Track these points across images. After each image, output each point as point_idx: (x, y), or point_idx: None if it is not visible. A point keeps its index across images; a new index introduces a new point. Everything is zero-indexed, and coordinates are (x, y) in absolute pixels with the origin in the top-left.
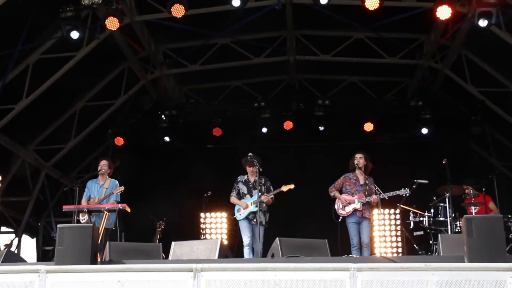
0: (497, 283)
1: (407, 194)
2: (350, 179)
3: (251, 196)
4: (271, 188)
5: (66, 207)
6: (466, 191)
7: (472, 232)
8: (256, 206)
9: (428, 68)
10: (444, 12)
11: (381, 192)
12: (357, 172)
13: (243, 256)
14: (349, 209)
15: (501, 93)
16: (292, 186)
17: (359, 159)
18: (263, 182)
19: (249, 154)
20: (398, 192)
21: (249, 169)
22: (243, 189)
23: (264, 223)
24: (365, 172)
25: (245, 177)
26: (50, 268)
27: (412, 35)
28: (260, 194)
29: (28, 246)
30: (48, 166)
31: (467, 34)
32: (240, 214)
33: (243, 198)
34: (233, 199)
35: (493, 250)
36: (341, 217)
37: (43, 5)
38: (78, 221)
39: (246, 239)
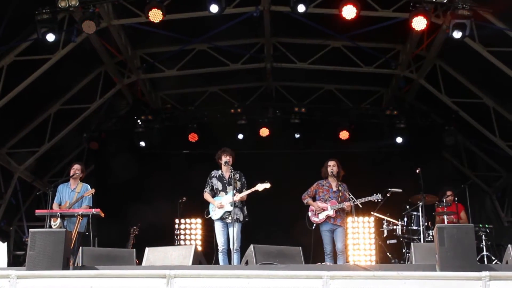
0: None
1: (379, 200)
2: (323, 186)
3: (226, 193)
4: (246, 184)
5: (38, 212)
6: (448, 198)
7: (444, 241)
8: (232, 205)
9: (403, 78)
10: (419, 23)
11: (354, 199)
12: (330, 179)
13: (218, 261)
14: (322, 216)
15: (474, 104)
16: (267, 185)
17: (332, 166)
18: (237, 177)
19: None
20: (370, 198)
21: (224, 158)
22: (218, 185)
23: (241, 219)
24: (338, 178)
25: (219, 172)
26: (21, 273)
27: (388, 45)
28: (235, 191)
29: None
30: (21, 169)
31: (442, 45)
32: (215, 214)
33: (217, 195)
34: (207, 196)
35: (464, 259)
36: (315, 224)
37: (19, 6)
38: (51, 226)
39: (220, 244)
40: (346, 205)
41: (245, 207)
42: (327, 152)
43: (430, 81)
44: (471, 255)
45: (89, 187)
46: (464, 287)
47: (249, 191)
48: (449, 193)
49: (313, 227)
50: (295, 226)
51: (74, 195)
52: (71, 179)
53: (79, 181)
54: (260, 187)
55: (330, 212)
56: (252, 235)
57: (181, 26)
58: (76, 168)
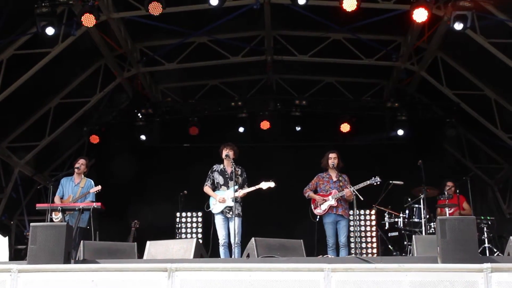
0: (469, 284)
1: (378, 183)
2: (323, 178)
3: (227, 187)
4: (247, 180)
5: (39, 206)
6: (448, 190)
7: (446, 233)
8: (233, 201)
9: (404, 70)
10: (420, 15)
11: (355, 190)
12: (330, 171)
13: (217, 254)
14: (324, 207)
15: (476, 96)
16: (272, 185)
17: (333, 159)
18: (239, 173)
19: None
20: (368, 182)
21: (225, 152)
22: (219, 179)
23: (241, 214)
24: (337, 170)
25: (221, 166)
26: (22, 267)
27: (389, 37)
28: (237, 187)
29: (0, 244)
30: (21, 163)
31: (443, 37)
32: (216, 208)
33: (219, 189)
34: (208, 189)
35: (466, 251)
36: (318, 217)
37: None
38: (52, 220)
39: (221, 237)
40: (346, 191)
41: (241, 203)
42: (328, 145)
43: (431, 73)
44: (473, 247)
45: (92, 182)
46: (465, 279)
47: (252, 188)
48: (449, 183)
49: (317, 219)
50: (296, 220)
51: (78, 189)
52: (75, 173)
53: (82, 175)
54: (264, 185)
55: (332, 202)
56: (253, 229)
57: (181, 19)
58: (81, 163)
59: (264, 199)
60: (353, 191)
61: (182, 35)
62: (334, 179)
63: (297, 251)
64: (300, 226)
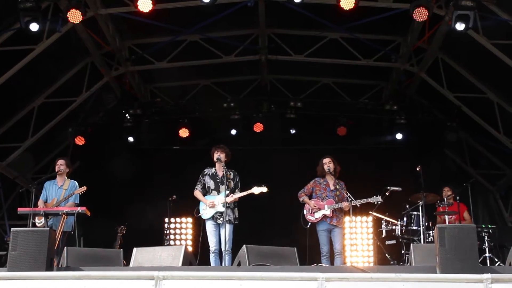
0: None
1: (379, 202)
2: (320, 184)
3: (219, 192)
4: (239, 184)
5: (21, 210)
6: (447, 195)
7: (445, 241)
8: (224, 206)
9: (404, 71)
10: (421, 14)
11: (353, 199)
12: (327, 177)
13: (207, 262)
14: (318, 215)
15: (478, 99)
16: (264, 189)
17: (328, 164)
18: (231, 176)
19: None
20: (369, 200)
21: (216, 155)
22: (210, 183)
23: (233, 220)
24: (335, 176)
25: (213, 170)
26: (2, 274)
27: (388, 36)
28: (228, 191)
29: None
30: (2, 165)
31: (444, 37)
32: (206, 213)
33: (209, 194)
34: (198, 193)
35: (466, 261)
36: (309, 223)
37: None
38: (34, 225)
39: (212, 244)
40: (345, 205)
41: (236, 208)
42: (324, 149)
43: (432, 75)
44: (473, 256)
45: (76, 183)
46: None
47: (243, 193)
48: (446, 189)
49: (308, 226)
50: (290, 226)
51: (61, 192)
52: (57, 175)
53: (65, 177)
54: (256, 190)
55: (327, 212)
56: (246, 235)
57: (172, 16)
58: (60, 164)
59: (257, 205)
60: (350, 203)
61: (173, 33)
62: (332, 187)
63: (290, 259)
64: (294, 233)
